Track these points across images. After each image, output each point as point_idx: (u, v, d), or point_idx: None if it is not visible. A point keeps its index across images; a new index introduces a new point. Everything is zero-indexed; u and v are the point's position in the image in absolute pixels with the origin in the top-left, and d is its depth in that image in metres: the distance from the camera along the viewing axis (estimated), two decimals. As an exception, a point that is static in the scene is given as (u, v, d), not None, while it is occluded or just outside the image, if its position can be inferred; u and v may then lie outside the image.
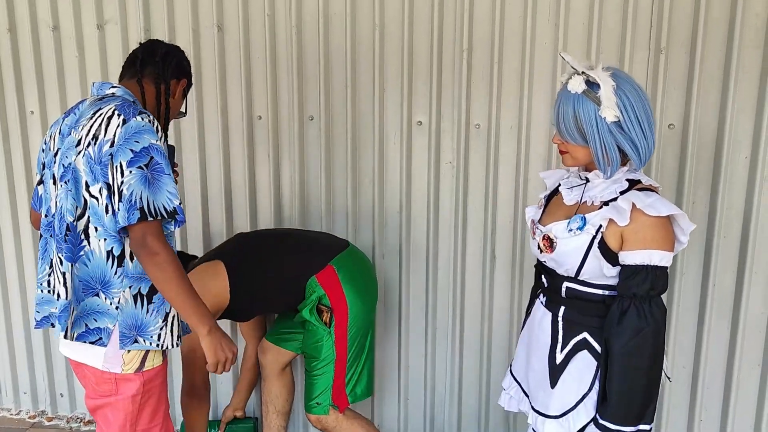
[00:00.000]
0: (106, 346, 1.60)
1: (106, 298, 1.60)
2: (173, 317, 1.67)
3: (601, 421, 1.52)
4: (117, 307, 1.59)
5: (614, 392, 1.49)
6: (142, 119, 1.56)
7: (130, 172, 1.51)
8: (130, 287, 1.60)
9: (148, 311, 1.62)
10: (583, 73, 1.46)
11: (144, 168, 1.52)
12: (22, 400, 3.02)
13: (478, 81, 2.29)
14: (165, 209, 1.54)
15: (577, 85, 1.46)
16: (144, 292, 1.62)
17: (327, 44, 2.37)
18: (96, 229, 1.58)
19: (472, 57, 2.28)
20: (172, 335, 1.66)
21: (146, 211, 1.51)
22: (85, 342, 1.61)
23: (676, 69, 2.14)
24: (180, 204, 1.57)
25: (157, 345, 1.64)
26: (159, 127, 1.60)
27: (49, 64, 2.63)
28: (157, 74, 1.74)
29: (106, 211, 1.56)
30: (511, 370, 1.83)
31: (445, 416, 2.61)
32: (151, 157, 1.53)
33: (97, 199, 1.57)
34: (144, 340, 1.62)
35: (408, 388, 2.62)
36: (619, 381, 1.48)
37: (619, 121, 1.45)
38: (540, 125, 2.27)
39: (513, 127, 2.30)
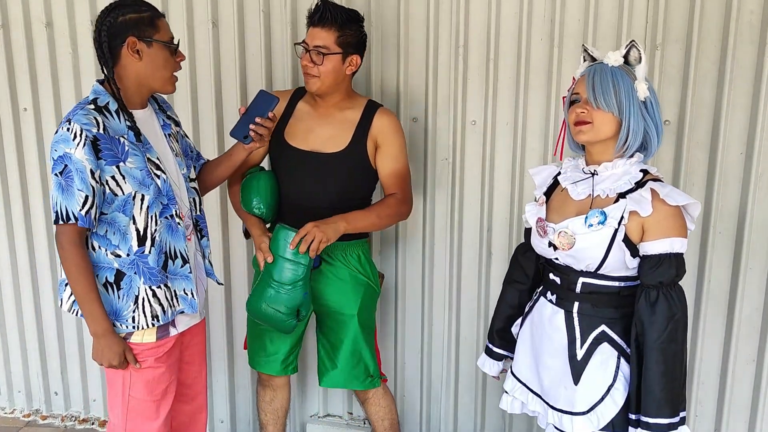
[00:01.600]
0: None
1: None
2: (143, 299, 1.75)
3: (651, 420, 1.52)
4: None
5: (660, 386, 1.51)
6: (62, 128, 1.63)
7: (52, 179, 1.66)
8: (97, 276, 1.72)
9: (119, 297, 1.74)
10: (632, 41, 1.54)
11: (59, 175, 1.63)
12: (16, 398, 3.01)
13: (473, 77, 2.29)
14: (74, 214, 1.64)
15: (616, 58, 1.54)
16: (111, 279, 1.74)
17: (322, 40, 2.36)
18: None
19: (467, 53, 2.28)
20: (145, 315, 1.76)
21: (60, 214, 1.65)
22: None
23: (672, 65, 2.14)
24: (81, 210, 1.63)
25: (133, 327, 1.76)
26: (77, 130, 1.60)
27: (42, 60, 2.62)
28: (100, 55, 1.70)
29: None
30: (512, 372, 1.82)
31: (441, 413, 2.61)
32: (65, 165, 1.62)
33: None
34: (120, 324, 1.75)
35: (404, 385, 2.62)
36: (663, 372, 1.51)
37: (645, 102, 1.53)
38: (536, 121, 2.27)
39: (509, 124, 2.30)
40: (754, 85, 2.09)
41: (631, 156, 1.59)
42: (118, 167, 1.66)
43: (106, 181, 1.66)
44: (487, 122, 2.31)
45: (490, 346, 1.90)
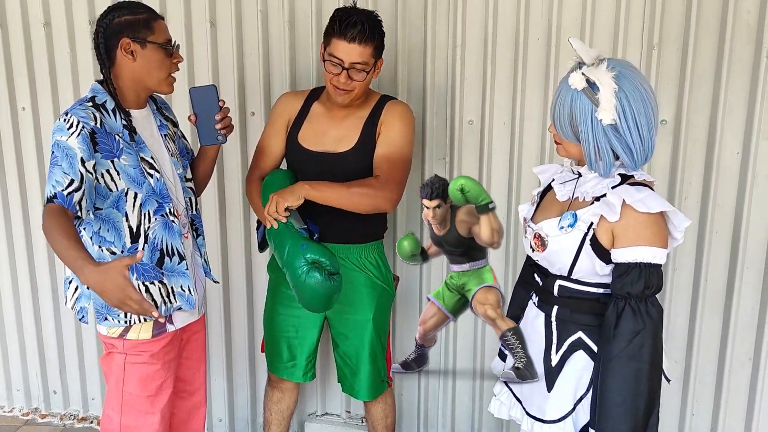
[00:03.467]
0: (87, 323, 1.82)
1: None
2: None
3: None
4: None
5: (614, 402, 1.42)
6: (60, 120, 1.66)
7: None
8: None
9: None
10: (580, 67, 1.42)
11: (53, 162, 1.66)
12: (15, 397, 3.02)
13: (471, 77, 2.29)
14: (56, 193, 1.62)
15: (577, 82, 1.41)
16: None
17: (320, 40, 2.35)
18: None
19: (465, 52, 2.28)
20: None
21: (47, 196, 1.65)
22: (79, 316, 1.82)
23: (669, 65, 2.14)
24: (63, 191, 1.61)
25: (125, 322, 1.77)
26: (74, 122, 1.63)
27: (40, 60, 2.62)
28: (98, 56, 1.75)
29: None
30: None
31: (439, 412, 2.61)
32: (58, 152, 1.64)
33: None
34: (112, 318, 1.77)
35: (402, 383, 2.62)
36: (619, 388, 1.41)
37: (615, 124, 1.40)
38: (533, 121, 2.27)
39: (506, 123, 2.30)
40: (751, 85, 2.10)
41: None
42: (112, 162, 1.70)
43: (102, 174, 1.68)
44: (485, 122, 2.32)
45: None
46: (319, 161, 2.02)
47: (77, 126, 1.64)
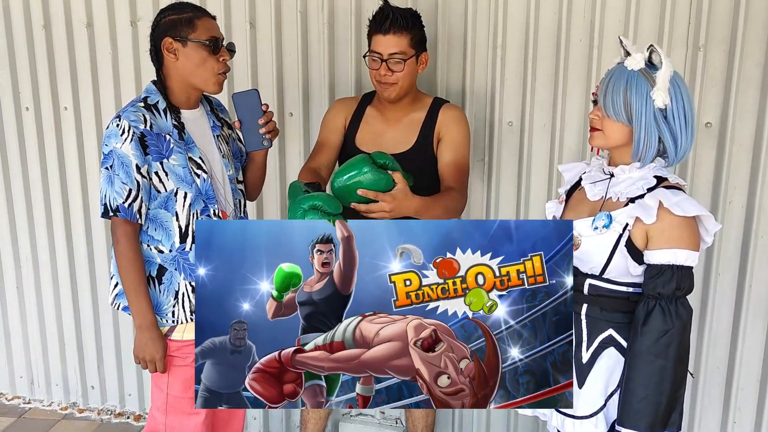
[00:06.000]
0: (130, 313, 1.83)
1: None
2: (183, 294, 1.81)
3: (623, 429, 1.47)
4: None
5: (638, 396, 1.45)
6: (113, 124, 1.70)
7: (101, 172, 1.73)
8: None
9: (160, 292, 1.80)
10: (651, 46, 1.45)
11: (108, 169, 1.70)
12: (54, 392, 3.07)
13: (511, 78, 2.28)
14: (118, 205, 1.70)
15: (637, 62, 1.46)
16: (153, 274, 1.79)
17: (359, 41, 2.37)
18: None
19: (505, 54, 2.27)
20: (184, 310, 1.81)
21: (107, 207, 1.71)
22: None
23: (715, 67, 2.11)
24: (125, 203, 1.69)
25: (173, 321, 1.81)
26: (124, 126, 1.68)
27: (82, 60, 2.66)
28: (151, 57, 1.79)
29: None
30: None
31: (474, 414, 2.60)
32: (113, 160, 1.69)
33: None
34: (161, 318, 1.81)
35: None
36: (644, 384, 1.45)
37: (665, 108, 1.45)
38: (574, 123, 2.25)
39: (546, 125, 2.28)
40: (800, 87, 2.05)
41: (652, 161, 1.53)
42: (161, 163, 1.73)
43: (151, 176, 1.72)
44: (524, 123, 2.30)
45: None
46: None
47: (128, 131, 1.68)
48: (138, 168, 1.69)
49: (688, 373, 1.56)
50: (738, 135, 2.13)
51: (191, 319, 1.81)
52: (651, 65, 1.46)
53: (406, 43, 1.93)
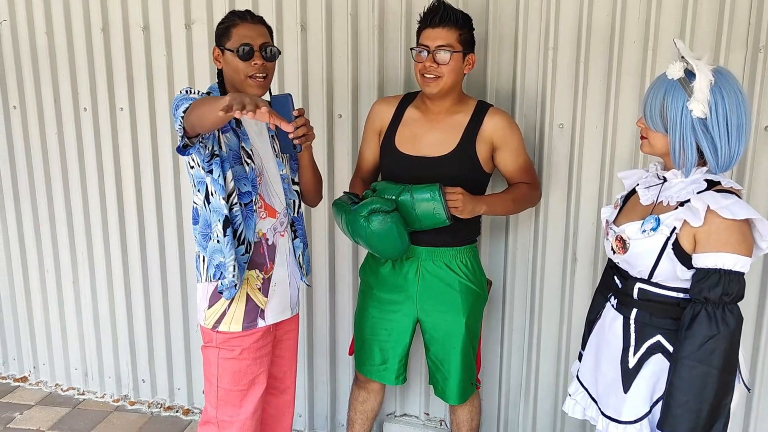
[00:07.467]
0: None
1: None
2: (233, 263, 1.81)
3: None
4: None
5: (678, 401, 1.44)
6: (180, 93, 1.75)
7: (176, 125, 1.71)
8: (211, 224, 1.81)
9: (225, 244, 1.78)
10: (683, 58, 1.44)
11: (176, 108, 1.70)
12: (106, 384, 3.16)
13: (562, 80, 2.25)
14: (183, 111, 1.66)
15: (675, 71, 1.45)
16: (220, 226, 1.79)
17: (409, 43, 2.37)
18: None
19: (557, 55, 2.24)
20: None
21: (177, 122, 1.68)
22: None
23: (775, 68, 2.05)
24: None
25: (233, 278, 1.79)
26: (192, 90, 1.75)
27: (138, 63, 2.73)
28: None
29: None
30: (578, 375, 1.80)
31: (519, 419, 2.59)
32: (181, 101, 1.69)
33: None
34: (224, 275, 1.81)
35: (482, 388, 2.61)
36: (685, 389, 1.43)
37: (705, 118, 1.42)
38: (627, 125, 2.21)
39: (598, 127, 2.25)
40: None
41: (701, 165, 1.51)
42: (219, 133, 1.79)
43: (213, 134, 1.76)
44: (576, 125, 2.27)
45: (582, 352, 1.88)
46: (415, 165, 2.03)
47: (197, 92, 1.75)
48: None
49: (744, 386, 1.53)
50: (799, 139, 2.07)
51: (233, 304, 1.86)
52: (690, 74, 1.44)
53: (455, 38, 1.94)
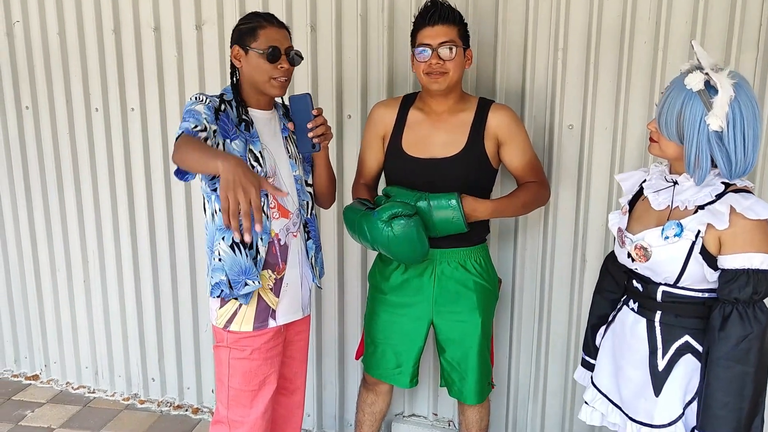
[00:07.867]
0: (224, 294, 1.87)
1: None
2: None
3: None
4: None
5: (719, 402, 1.44)
6: (191, 98, 1.80)
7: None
8: (222, 239, 1.84)
9: (247, 256, 1.82)
10: (706, 73, 1.42)
11: (184, 119, 1.74)
12: (116, 382, 3.18)
13: (572, 80, 2.25)
14: (184, 130, 1.70)
15: (695, 83, 1.43)
16: (237, 240, 1.81)
17: (418, 44, 2.38)
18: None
19: (566, 56, 2.24)
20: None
21: (176, 137, 1.70)
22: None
23: (787, 69, 2.04)
24: (191, 129, 1.68)
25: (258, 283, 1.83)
26: (202, 97, 1.78)
27: (149, 63, 2.74)
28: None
29: None
30: (593, 382, 1.78)
31: (528, 419, 2.58)
32: (189, 114, 1.73)
33: None
34: (252, 282, 1.84)
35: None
36: (725, 390, 1.43)
37: (721, 132, 1.42)
38: (636, 126, 2.21)
39: (608, 128, 2.24)
40: None
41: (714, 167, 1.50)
42: (225, 141, 1.80)
43: (217, 143, 1.77)
44: (585, 126, 2.27)
45: (586, 357, 1.87)
46: (427, 167, 2.03)
47: (205, 100, 1.77)
48: (207, 120, 1.72)
49: None
50: (811, 140, 2.05)
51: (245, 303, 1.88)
52: (711, 87, 1.43)
53: (455, 33, 1.96)
